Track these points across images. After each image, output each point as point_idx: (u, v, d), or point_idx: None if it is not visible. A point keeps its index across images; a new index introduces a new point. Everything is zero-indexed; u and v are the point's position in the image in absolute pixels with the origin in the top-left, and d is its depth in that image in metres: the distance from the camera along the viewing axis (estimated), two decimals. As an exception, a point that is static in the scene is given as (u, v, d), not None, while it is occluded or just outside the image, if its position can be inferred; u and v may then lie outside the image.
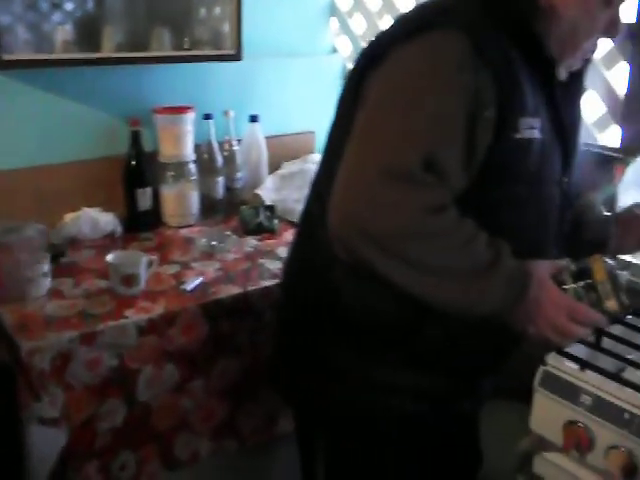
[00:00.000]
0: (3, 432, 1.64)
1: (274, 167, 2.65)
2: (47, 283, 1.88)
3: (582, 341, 1.40)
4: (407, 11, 1.44)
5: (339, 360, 1.45)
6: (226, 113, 2.50)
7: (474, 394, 1.56)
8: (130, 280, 1.84)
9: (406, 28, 1.33)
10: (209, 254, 2.15)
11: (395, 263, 1.23)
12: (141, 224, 2.35)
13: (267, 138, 2.62)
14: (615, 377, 1.33)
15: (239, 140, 2.57)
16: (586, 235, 1.61)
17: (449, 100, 1.23)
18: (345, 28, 2.96)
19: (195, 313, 1.82)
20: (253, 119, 2.56)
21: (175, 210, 2.39)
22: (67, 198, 2.27)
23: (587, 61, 1.48)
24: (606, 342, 1.44)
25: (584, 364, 1.36)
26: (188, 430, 1.87)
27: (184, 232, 2.34)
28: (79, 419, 1.69)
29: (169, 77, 2.44)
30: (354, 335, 1.42)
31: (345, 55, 2.96)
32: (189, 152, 2.38)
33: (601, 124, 2.12)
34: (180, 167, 2.37)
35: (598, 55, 2.07)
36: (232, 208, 2.48)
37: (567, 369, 1.37)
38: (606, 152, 1.95)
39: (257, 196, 2.49)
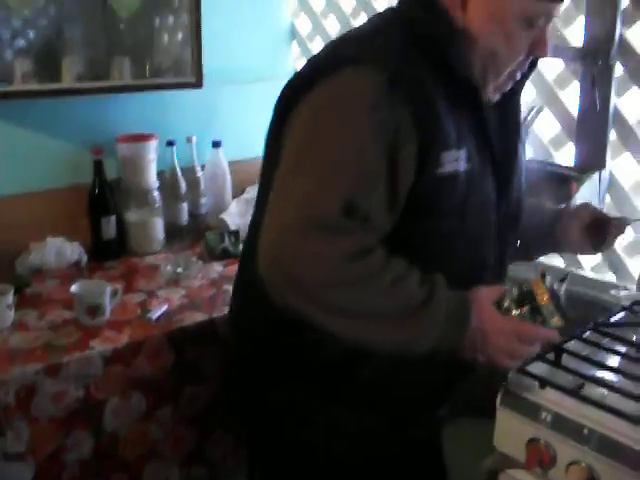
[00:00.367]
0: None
1: (238, 192, 2.66)
2: (11, 315, 1.86)
3: (542, 359, 1.43)
4: (332, 41, 1.42)
5: (278, 399, 1.44)
6: (189, 139, 2.52)
7: (427, 422, 1.56)
8: (95, 310, 1.84)
9: (322, 65, 1.30)
10: (174, 281, 2.15)
11: (324, 313, 1.21)
12: (106, 252, 2.35)
13: (231, 163, 2.63)
14: (574, 394, 1.35)
15: (202, 166, 2.58)
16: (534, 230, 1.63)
17: (365, 143, 1.20)
18: (306, 52, 2.99)
19: (161, 341, 1.83)
20: (216, 145, 2.58)
21: (140, 238, 2.39)
22: (31, 228, 2.26)
23: (522, 81, 1.44)
24: (565, 359, 1.47)
25: (544, 382, 1.38)
26: (157, 459, 1.87)
27: (149, 259, 2.34)
28: (45, 452, 1.68)
29: (131, 105, 2.45)
30: (294, 370, 1.41)
31: (306, 79, 2.98)
32: (152, 180, 2.39)
33: (557, 142, 2.16)
34: (144, 195, 2.37)
35: (552, 75, 2.12)
36: (197, 234, 2.49)
37: (527, 387, 1.38)
38: (562, 170, 1.98)
39: (222, 221, 2.50)
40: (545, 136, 2.18)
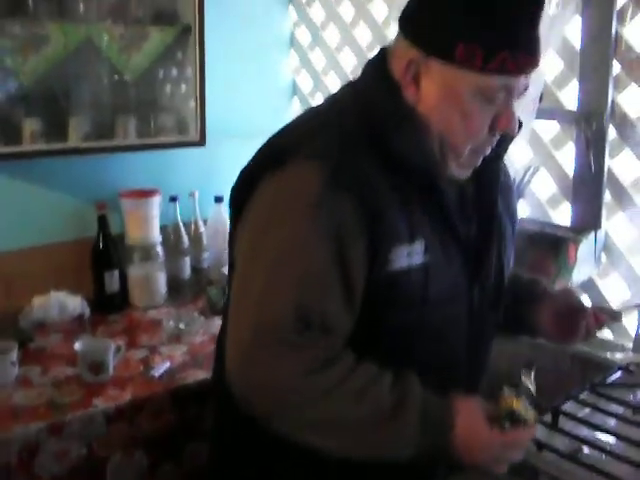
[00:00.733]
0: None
1: (240, 246, 2.70)
2: (15, 371, 1.88)
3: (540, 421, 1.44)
4: (274, 136, 1.33)
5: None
6: (191, 194, 2.56)
7: None
8: (98, 368, 1.86)
9: (265, 161, 1.27)
10: (176, 337, 2.17)
11: (290, 426, 1.18)
12: (109, 306, 2.37)
13: (233, 217, 2.66)
14: (572, 458, 1.37)
15: (205, 220, 2.62)
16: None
17: (311, 245, 1.16)
18: (307, 107, 3.05)
19: (163, 399, 1.84)
20: (218, 200, 2.62)
21: (143, 292, 2.42)
22: (35, 281, 2.29)
23: (504, 145, 1.35)
24: (562, 421, 1.49)
25: (541, 445, 1.40)
26: (159, 516, 1.88)
27: (152, 314, 2.37)
28: (47, 511, 1.69)
29: (135, 162, 2.50)
30: (266, 457, 1.35)
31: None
32: (155, 234, 2.43)
33: (553, 202, 2.21)
34: (147, 249, 2.41)
35: (548, 136, 2.17)
36: (199, 288, 2.52)
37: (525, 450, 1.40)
38: (558, 232, 2.01)
39: (224, 275, 2.53)
40: (542, 196, 2.22)
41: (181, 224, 2.52)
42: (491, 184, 1.37)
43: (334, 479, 1.30)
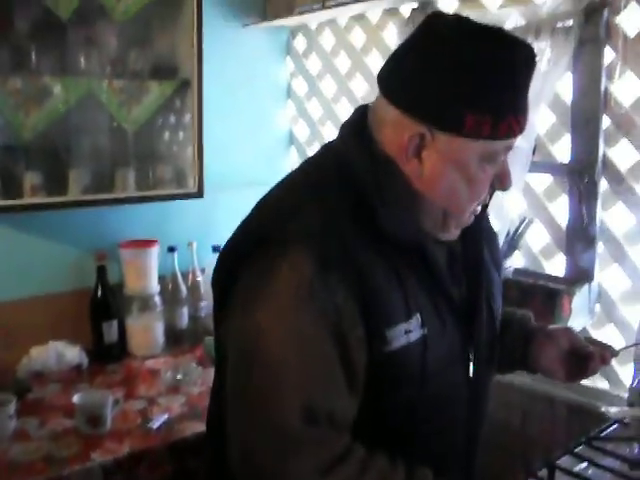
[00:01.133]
0: None
1: (238, 294, 2.71)
2: (12, 424, 1.88)
3: (535, 477, 1.45)
4: (258, 212, 1.28)
5: None
6: (189, 244, 2.59)
7: None
8: (96, 421, 1.86)
9: (245, 246, 1.22)
10: (175, 387, 2.18)
11: None
12: (108, 356, 2.39)
13: (231, 266, 2.69)
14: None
15: (203, 269, 2.64)
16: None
17: (310, 342, 1.13)
18: (304, 157, 3.09)
19: (161, 452, 1.85)
20: (216, 249, 2.63)
21: (141, 341, 2.43)
22: (34, 331, 2.31)
23: (483, 210, 1.35)
24: (558, 476, 1.49)
25: (538, 501, 1.40)
26: None
27: (150, 363, 2.38)
28: None
29: (134, 213, 2.53)
30: None
31: (304, 182, 3.08)
32: (154, 285, 2.45)
33: (547, 253, 2.24)
34: (145, 299, 2.43)
35: (541, 188, 2.21)
36: (197, 337, 2.53)
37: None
38: (552, 284, 2.03)
39: (221, 324, 2.54)
40: (536, 247, 2.25)
41: (179, 274, 2.54)
42: (476, 235, 1.37)
43: None
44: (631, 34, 1.95)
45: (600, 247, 2.09)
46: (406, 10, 2.52)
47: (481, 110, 1.15)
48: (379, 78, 1.25)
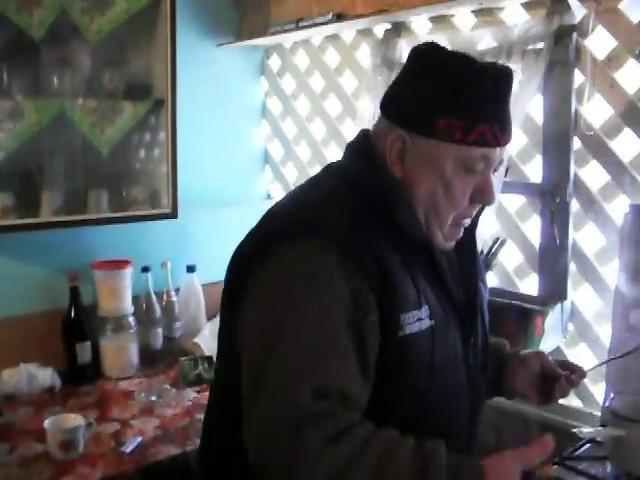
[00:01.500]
0: None
1: (212, 314, 2.70)
2: (-18, 449, 1.86)
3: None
4: (274, 212, 1.36)
5: None
6: (163, 264, 2.58)
7: None
8: (68, 446, 1.83)
9: (268, 242, 1.26)
10: (148, 409, 2.16)
11: None
12: (81, 378, 2.36)
13: (205, 286, 2.68)
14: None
15: (177, 289, 2.63)
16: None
17: (325, 320, 1.18)
18: (278, 176, 3.11)
19: (134, 476, 1.82)
20: (190, 269, 2.64)
21: (115, 363, 2.41)
22: (5, 353, 2.28)
23: (475, 220, 1.42)
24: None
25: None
26: None
27: (124, 385, 2.36)
28: None
29: (107, 233, 2.51)
30: None
31: (279, 201, 3.09)
32: (128, 305, 2.43)
33: (520, 272, 2.26)
34: (119, 320, 2.41)
35: (514, 208, 2.23)
36: (171, 357, 2.52)
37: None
38: (525, 304, 2.05)
39: (196, 345, 2.54)
40: (509, 266, 2.27)
41: (153, 294, 2.52)
42: (470, 251, 1.46)
43: None
44: (599, 57, 1.98)
45: (572, 266, 2.11)
46: (379, 31, 2.55)
47: (453, 115, 1.24)
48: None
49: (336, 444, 1.12)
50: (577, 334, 2.12)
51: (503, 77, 1.30)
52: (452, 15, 2.30)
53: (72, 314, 2.35)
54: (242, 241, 1.34)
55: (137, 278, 2.49)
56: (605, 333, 2.03)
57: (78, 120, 2.33)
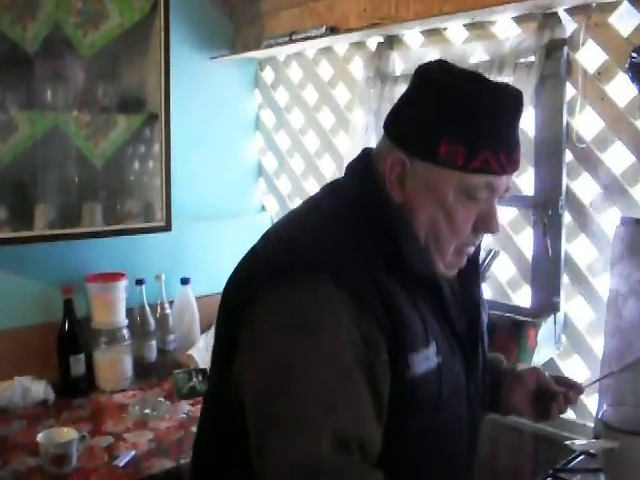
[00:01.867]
0: None
1: (207, 326, 2.70)
2: (-25, 464, 1.85)
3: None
4: (273, 238, 1.30)
5: None
6: (158, 277, 2.58)
7: None
8: (61, 460, 1.83)
9: (268, 275, 1.20)
10: (142, 422, 2.16)
11: None
12: (75, 390, 2.36)
13: (199, 298, 2.69)
14: None
15: (171, 302, 2.63)
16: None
17: (340, 371, 1.11)
18: (272, 188, 3.12)
19: (128, 490, 1.82)
20: (184, 282, 2.64)
21: (109, 375, 2.41)
22: (-1, 367, 2.27)
23: (478, 248, 1.38)
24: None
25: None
26: None
27: (118, 397, 2.36)
28: None
29: (101, 246, 2.51)
30: None
31: (273, 213, 3.12)
32: (122, 318, 2.43)
33: (513, 284, 2.26)
34: (113, 333, 2.41)
35: (507, 220, 2.23)
36: (166, 370, 2.52)
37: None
38: (518, 316, 2.05)
39: (190, 357, 2.54)
40: (502, 278, 2.28)
41: (147, 307, 2.52)
42: (472, 276, 1.40)
43: None
44: (590, 70, 2.00)
45: (565, 278, 2.12)
46: (372, 44, 2.56)
47: (455, 140, 1.18)
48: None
49: None
50: (570, 346, 2.12)
51: (511, 99, 1.22)
52: (444, 28, 2.31)
53: (66, 327, 2.35)
54: (241, 264, 1.28)
55: (131, 291, 2.49)
56: (598, 344, 2.03)
57: (72, 133, 2.34)
